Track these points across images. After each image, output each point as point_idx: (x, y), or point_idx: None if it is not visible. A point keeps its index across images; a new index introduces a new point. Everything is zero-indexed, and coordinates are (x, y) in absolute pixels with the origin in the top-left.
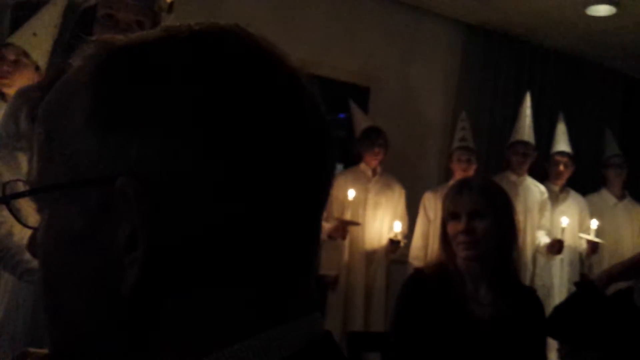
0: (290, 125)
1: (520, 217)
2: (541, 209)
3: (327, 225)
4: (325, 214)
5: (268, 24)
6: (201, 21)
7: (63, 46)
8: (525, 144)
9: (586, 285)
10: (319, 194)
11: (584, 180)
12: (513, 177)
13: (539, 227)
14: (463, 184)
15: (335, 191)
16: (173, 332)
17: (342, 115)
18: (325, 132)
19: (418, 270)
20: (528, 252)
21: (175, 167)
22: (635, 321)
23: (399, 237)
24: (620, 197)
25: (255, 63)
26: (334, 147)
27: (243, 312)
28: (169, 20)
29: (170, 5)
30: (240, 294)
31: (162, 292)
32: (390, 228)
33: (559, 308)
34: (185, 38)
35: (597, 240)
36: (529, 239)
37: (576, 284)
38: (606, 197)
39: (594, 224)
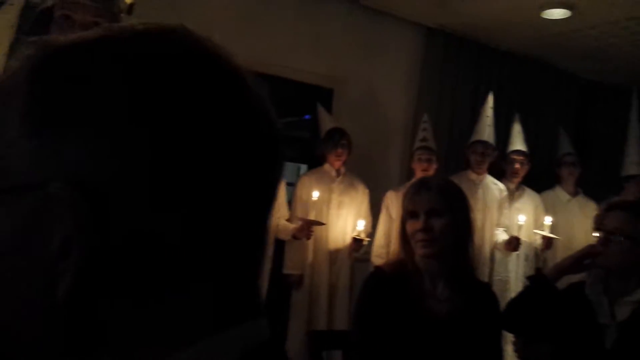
0: (234, 126)
1: (479, 214)
2: (500, 207)
3: (291, 226)
4: (289, 214)
5: (232, 27)
6: (148, 21)
7: (20, 48)
8: (484, 143)
9: (538, 279)
10: (266, 197)
11: (539, 178)
12: (473, 176)
13: (498, 225)
14: (421, 184)
15: (299, 192)
16: (110, 340)
17: (307, 117)
18: (273, 134)
19: (378, 269)
20: (487, 249)
21: (112, 171)
22: (586, 313)
23: (363, 236)
24: (574, 194)
25: (197, 63)
26: (282, 149)
27: (181, 321)
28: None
29: (130, 6)
30: (179, 302)
31: (98, 299)
32: (354, 227)
33: (512, 302)
34: (126, 38)
35: (551, 235)
36: (487, 235)
37: (529, 277)
38: (560, 194)
39: (548, 220)
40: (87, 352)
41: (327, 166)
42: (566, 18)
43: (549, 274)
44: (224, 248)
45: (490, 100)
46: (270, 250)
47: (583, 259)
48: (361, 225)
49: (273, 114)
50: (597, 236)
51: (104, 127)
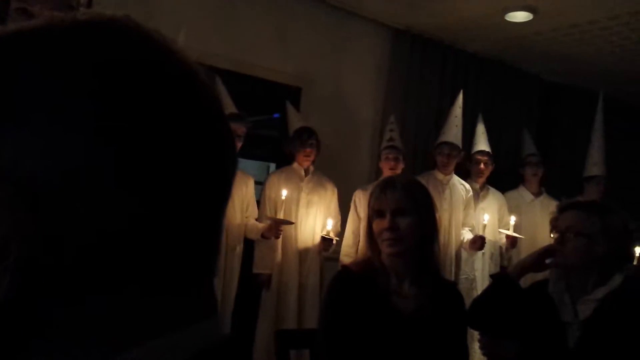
0: (183, 118)
1: (445, 214)
2: (466, 207)
3: (260, 225)
4: (258, 213)
5: (200, 24)
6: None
7: None
8: (450, 145)
9: (501, 278)
10: (217, 193)
11: (503, 178)
12: (440, 176)
13: (464, 224)
14: (387, 183)
15: (268, 191)
16: (50, 339)
17: (276, 115)
18: (222, 127)
19: (345, 267)
20: (453, 248)
21: (51, 169)
22: (549, 311)
23: (332, 235)
24: (537, 194)
25: (142, 53)
26: (232, 143)
27: (134, 320)
28: None
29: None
30: (132, 300)
31: (39, 299)
32: (323, 226)
33: (477, 300)
34: (68, 27)
35: (515, 235)
36: (454, 234)
37: (492, 276)
38: (524, 193)
39: (513, 220)
40: (28, 352)
41: (295, 165)
42: (529, 21)
43: (512, 272)
44: (173, 247)
45: (459, 99)
46: (239, 249)
47: (543, 257)
48: (330, 224)
49: (222, 107)
50: (554, 237)
51: (39, 124)
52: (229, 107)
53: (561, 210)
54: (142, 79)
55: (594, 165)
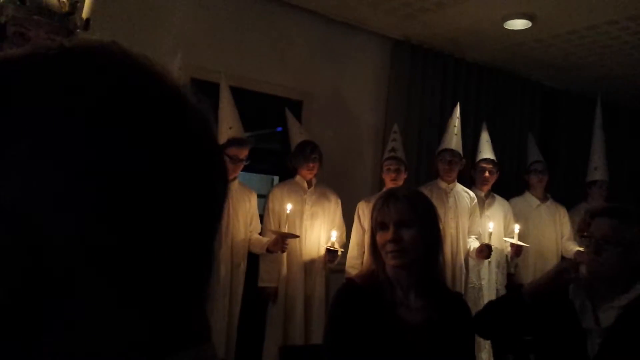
0: (171, 143)
1: (452, 222)
2: (472, 215)
3: (264, 239)
4: (262, 227)
5: (199, 42)
6: (78, 39)
7: None
8: (451, 152)
9: (514, 291)
10: (208, 219)
11: (508, 185)
12: (443, 185)
13: (470, 232)
14: (389, 195)
15: (271, 204)
16: None
17: (279, 129)
18: (213, 150)
19: (350, 280)
20: (461, 256)
21: (35, 197)
22: (569, 318)
23: (336, 246)
24: (543, 200)
25: (129, 79)
26: (223, 168)
27: (124, 347)
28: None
29: (87, 22)
30: (118, 330)
31: (26, 331)
32: (328, 238)
33: (485, 310)
34: (54, 55)
35: (520, 243)
36: (461, 243)
37: (507, 287)
38: (529, 199)
39: (517, 228)
40: None
41: (298, 178)
42: (528, 28)
43: (526, 292)
44: (163, 271)
45: (457, 110)
46: (243, 265)
47: (560, 275)
48: (334, 235)
49: (213, 129)
50: (585, 243)
51: (19, 154)
52: (235, 124)
53: (593, 215)
54: (126, 106)
55: (596, 169)
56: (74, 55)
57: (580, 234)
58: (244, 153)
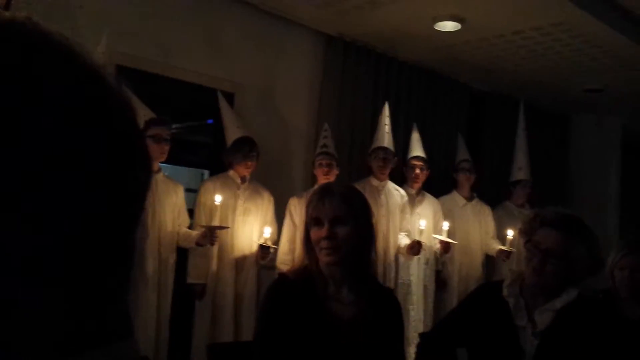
0: (87, 126)
1: (383, 219)
2: (402, 212)
3: (193, 233)
4: (192, 222)
5: (127, 26)
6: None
7: None
8: (385, 149)
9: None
10: (130, 208)
11: (437, 184)
12: (375, 182)
13: (400, 229)
14: (325, 191)
15: (203, 197)
16: None
17: (210, 121)
18: (133, 135)
19: (282, 275)
20: (391, 253)
21: None
22: (502, 313)
23: (269, 243)
24: (469, 199)
25: (44, 57)
26: (146, 152)
27: (46, 341)
28: None
29: (8, 1)
30: (31, 326)
31: None
32: (261, 234)
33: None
34: None
35: (449, 240)
36: (392, 240)
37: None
38: (457, 198)
39: (446, 225)
40: None
41: (232, 172)
42: (457, 31)
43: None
44: (77, 263)
45: (386, 109)
46: (173, 258)
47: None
48: (267, 232)
49: (134, 112)
50: (528, 248)
51: None
52: (146, 112)
53: (542, 223)
54: (41, 82)
55: (520, 169)
56: None
57: (525, 238)
58: (166, 132)
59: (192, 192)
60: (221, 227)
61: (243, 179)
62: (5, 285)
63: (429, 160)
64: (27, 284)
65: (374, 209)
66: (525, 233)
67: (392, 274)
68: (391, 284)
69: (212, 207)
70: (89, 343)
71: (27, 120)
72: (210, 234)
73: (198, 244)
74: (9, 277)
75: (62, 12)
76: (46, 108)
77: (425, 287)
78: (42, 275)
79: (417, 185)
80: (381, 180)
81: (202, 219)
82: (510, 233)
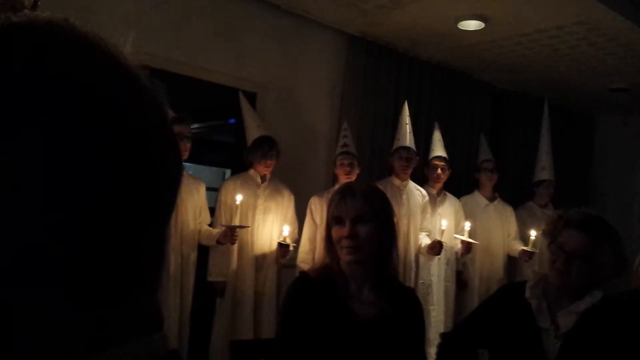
0: (126, 126)
1: (404, 219)
2: (423, 212)
3: (214, 231)
4: (213, 220)
5: (151, 28)
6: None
7: None
8: (407, 149)
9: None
10: (162, 205)
11: (459, 184)
12: (397, 182)
13: (421, 229)
14: (346, 190)
15: (223, 197)
16: None
17: (232, 121)
18: (167, 134)
19: (303, 273)
20: (412, 253)
21: None
22: (525, 315)
23: (288, 241)
24: (491, 199)
25: (81, 57)
26: (177, 151)
27: (75, 335)
28: None
29: (35, 2)
30: (74, 315)
31: None
32: (280, 233)
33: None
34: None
35: (470, 240)
36: (412, 240)
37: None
38: (478, 199)
39: (467, 225)
40: None
41: (252, 172)
42: (480, 30)
43: None
44: (112, 263)
45: (405, 109)
46: (194, 256)
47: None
48: (287, 230)
49: (167, 113)
50: (551, 250)
51: None
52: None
53: (566, 224)
54: (81, 84)
55: (543, 169)
56: (21, 30)
57: (550, 239)
58: (187, 130)
59: (214, 191)
60: (241, 227)
61: (263, 178)
62: (24, 282)
63: (451, 160)
64: (57, 276)
65: (395, 208)
66: (549, 234)
67: (412, 274)
68: (411, 284)
69: (233, 207)
70: (119, 336)
71: (65, 118)
72: (231, 234)
73: (219, 242)
74: (31, 274)
75: (86, 13)
76: (85, 106)
77: (446, 288)
78: (74, 268)
79: (439, 186)
80: (403, 179)
81: (222, 218)
82: (533, 234)
